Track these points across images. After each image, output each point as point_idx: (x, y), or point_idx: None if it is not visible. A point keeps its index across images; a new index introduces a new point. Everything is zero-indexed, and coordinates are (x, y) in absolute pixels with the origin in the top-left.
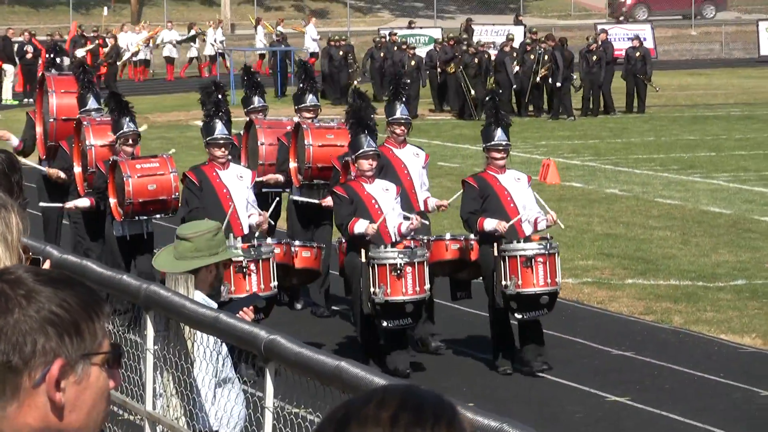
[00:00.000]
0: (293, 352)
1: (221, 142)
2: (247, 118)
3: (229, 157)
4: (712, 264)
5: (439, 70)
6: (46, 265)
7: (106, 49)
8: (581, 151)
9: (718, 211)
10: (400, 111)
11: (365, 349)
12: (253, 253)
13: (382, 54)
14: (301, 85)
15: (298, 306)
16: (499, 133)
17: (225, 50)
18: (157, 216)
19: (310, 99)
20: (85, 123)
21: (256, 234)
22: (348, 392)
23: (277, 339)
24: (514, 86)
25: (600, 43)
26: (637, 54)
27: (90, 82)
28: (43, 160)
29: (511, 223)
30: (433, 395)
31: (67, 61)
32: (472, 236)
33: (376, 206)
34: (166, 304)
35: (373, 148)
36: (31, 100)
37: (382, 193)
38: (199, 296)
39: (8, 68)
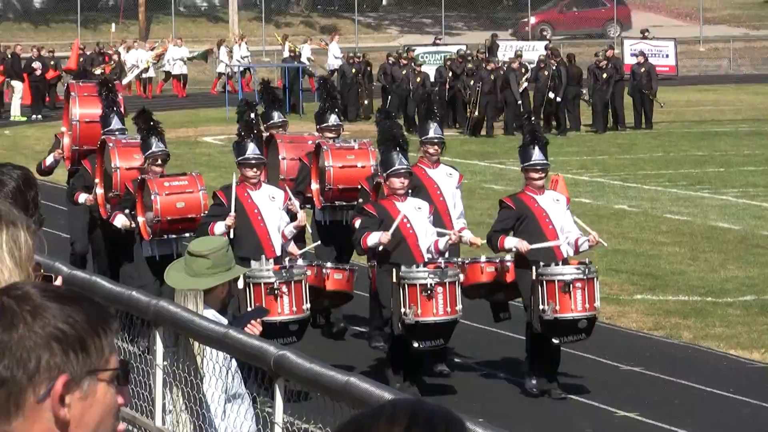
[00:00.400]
0: (303, 367)
1: (253, 162)
2: (267, 134)
3: (261, 177)
4: (721, 279)
5: (448, 86)
6: (58, 282)
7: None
8: (590, 166)
9: (726, 226)
10: (433, 130)
11: (393, 368)
12: (284, 274)
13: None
14: (322, 104)
15: (334, 329)
16: (536, 152)
17: (250, 66)
18: (186, 235)
19: (332, 119)
20: (110, 145)
21: (287, 258)
22: (358, 407)
23: (286, 354)
24: (519, 102)
25: (607, 59)
26: (642, 70)
27: (114, 102)
28: (73, 182)
29: (540, 245)
30: (441, 409)
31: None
32: (507, 258)
33: (408, 225)
34: (175, 319)
35: (405, 166)
36: (40, 116)
37: (414, 211)
38: (210, 313)
39: (17, 84)
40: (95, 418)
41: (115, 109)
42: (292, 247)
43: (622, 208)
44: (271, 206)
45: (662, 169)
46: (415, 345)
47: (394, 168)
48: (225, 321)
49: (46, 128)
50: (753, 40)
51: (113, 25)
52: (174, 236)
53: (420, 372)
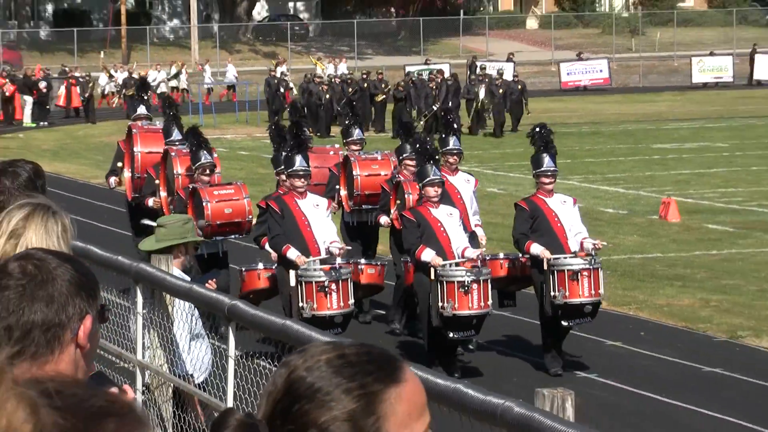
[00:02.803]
0: (249, 313)
1: (301, 173)
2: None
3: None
4: None
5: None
6: None
7: (111, 85)
8: (468, 159)
9: None
10: (452, 142)
11: (430, 354)
12: (334, 274)
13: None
14: (347, 121)
15: (368, 318)
16: (547, 160)
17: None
18: (233, 237)
19: (357, 133)
20: (172, 154)
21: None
22: (293, 344)
23: (237, 304)
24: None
25: (502, 79)
26: (519, 87)
27: (175, 117)
28: (132, 206)
29: (559, 256)
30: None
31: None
32: (521, 255)
33: (442, 229)
34: (151, 277)
35: (438, 177)
36: (45, 123)
37: (446, 217)
38: (176, 272)
39: (27, 99)
40: (96, 346)
41: (176, 122)
42: (335, 248)
43: (493, 190)
44: (316, 213)
45: (524, 161)
46: (451, 335)
47: (429, 178)
48: (188, 278)
49: (50, 131)
50: (614, 62)
51: (102, 52)
52: (221, 238)
53: (454, 357)
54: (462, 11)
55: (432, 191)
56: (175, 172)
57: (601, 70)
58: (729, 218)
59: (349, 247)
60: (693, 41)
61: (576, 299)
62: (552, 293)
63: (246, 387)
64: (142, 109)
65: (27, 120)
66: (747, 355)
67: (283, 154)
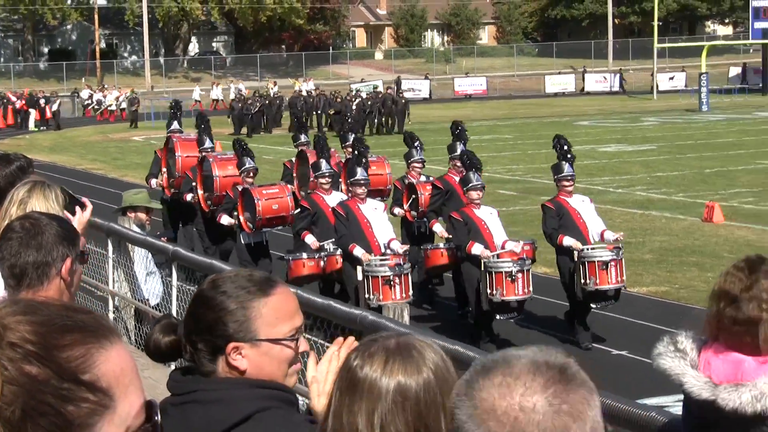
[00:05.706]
0: (188, 257)
1: (362, 182)
2: (297, 150)
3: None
4: None
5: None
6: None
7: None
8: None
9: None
10: (459, 149)
11: (479, 331)
12: (397, 269)
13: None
14: (343, 128)
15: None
16: (566, 166)
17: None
18: (278, 228)
19: (351, 138)
20: (210, 159)
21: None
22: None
23: (178, 250)
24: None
25: (388, 93)
26: (403, 101)
27: (206, 128)
28: (167, 200)
29: (587, 247)
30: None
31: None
32: (529, 240)
33: (485, 226)
34: (118, 232)
35: (481, 182)
36: (44, 128)
37: (488, 216)
38: (135, 229)
39: (32, 111)
40: (77, 280)
41: (207, 132)
42: (396, 246)
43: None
44: (375, 215)
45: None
46: (498, 317)
47: (472, 183)
48: (144, 233)
49: (48, 134)
50: (434, 81)
51: (83, 79)
52: (269, 229)
53: (493, 331)
54: (331, 47)
55: (475, 195)
56: (214, 174)
57: (481, 84)
58: (513, 186)
59: (407, 247)
60: (488, 67)
61: (605, 286)
62: (583, 281)
63: (184, 306)
64: (175, 125)
65: (32, 126)
66: None
67: (349, 165)
